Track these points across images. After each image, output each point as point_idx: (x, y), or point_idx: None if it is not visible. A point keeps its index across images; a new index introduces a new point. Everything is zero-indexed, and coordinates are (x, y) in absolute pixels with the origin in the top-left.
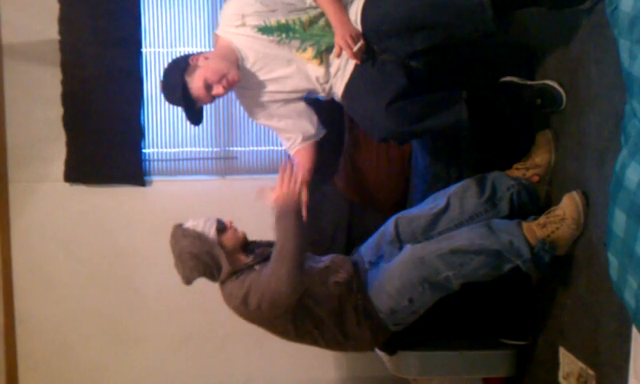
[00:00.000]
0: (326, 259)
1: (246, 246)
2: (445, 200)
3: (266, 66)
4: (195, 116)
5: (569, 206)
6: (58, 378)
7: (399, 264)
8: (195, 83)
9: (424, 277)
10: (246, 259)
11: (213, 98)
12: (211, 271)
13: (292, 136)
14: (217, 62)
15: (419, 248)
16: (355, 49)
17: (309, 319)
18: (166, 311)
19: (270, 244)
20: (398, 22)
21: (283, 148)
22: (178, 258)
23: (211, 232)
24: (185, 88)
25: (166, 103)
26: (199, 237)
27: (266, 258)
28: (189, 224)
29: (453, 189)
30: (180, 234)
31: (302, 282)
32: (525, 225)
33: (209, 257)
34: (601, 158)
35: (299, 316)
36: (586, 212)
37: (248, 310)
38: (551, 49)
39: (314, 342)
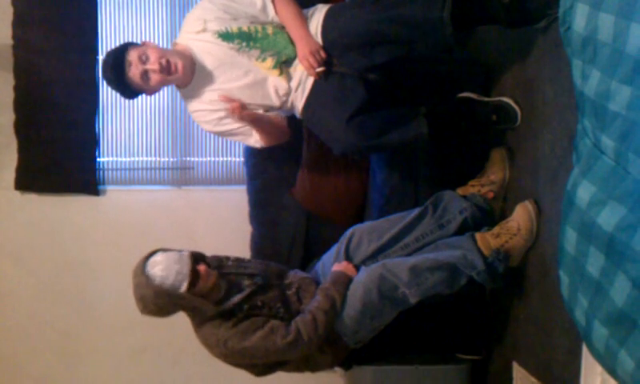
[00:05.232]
0: (295, 281)
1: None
2: (397, 229)
3: (223, 74)
4: (125, 87)
5: (522, 216)
6: None
7: (359, 286)
8: (133, 53)
9: (384, 294)
10: (226, 295)
11: (145, 75)
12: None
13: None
14: (165, 49)
15: (378, 267)
16: (317, 71)
17: None
18: (119, 324)
19: (238, 260)
20: (357, 36)
21: (241, 159)
22: (138, 300)
23: (183, 287)
24: (121, 53)
25: (122, 111)
26: (167, 293)
27: (251, 294)
28: (156, 270)
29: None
30: (144, 282)
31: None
32: (478, 236)
33: (177, 307)
34: (554, 175)
35: None
36: (539, 221)
37: (244, 360)
38: (507, 66)
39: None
